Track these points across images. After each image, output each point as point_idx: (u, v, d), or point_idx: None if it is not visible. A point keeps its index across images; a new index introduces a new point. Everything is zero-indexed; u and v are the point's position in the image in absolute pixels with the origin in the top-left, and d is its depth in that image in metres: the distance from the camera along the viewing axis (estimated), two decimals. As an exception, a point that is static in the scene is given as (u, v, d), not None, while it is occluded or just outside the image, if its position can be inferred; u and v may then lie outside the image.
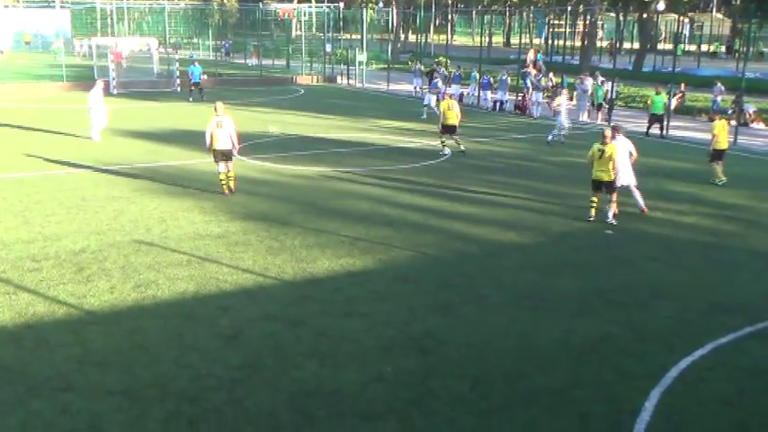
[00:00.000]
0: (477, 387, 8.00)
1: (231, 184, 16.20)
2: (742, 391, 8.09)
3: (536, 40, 75.53)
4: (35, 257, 11.80)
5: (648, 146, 24.28)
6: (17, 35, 67.99)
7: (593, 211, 14.59)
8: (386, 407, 7.53)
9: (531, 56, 45.24)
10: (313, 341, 9.01)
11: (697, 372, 8.49)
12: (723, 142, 18.65)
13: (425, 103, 31.21)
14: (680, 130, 27.84)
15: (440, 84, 32.66)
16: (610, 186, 14.49)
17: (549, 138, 24.59)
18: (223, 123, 15.68)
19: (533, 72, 36.53)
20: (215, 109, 15.90)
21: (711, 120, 19.87)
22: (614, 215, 14.60)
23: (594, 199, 14.60)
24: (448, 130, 21.80)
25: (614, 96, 30.89)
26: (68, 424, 7.06)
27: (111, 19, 68.64)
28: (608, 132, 14.62)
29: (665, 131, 26.39)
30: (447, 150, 22.09)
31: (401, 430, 7.13)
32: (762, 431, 7.33)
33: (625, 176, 14.91)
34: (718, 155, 18.62)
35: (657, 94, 26.29)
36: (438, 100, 28.79)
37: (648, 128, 26.33)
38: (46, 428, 6.99)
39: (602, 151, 14.28)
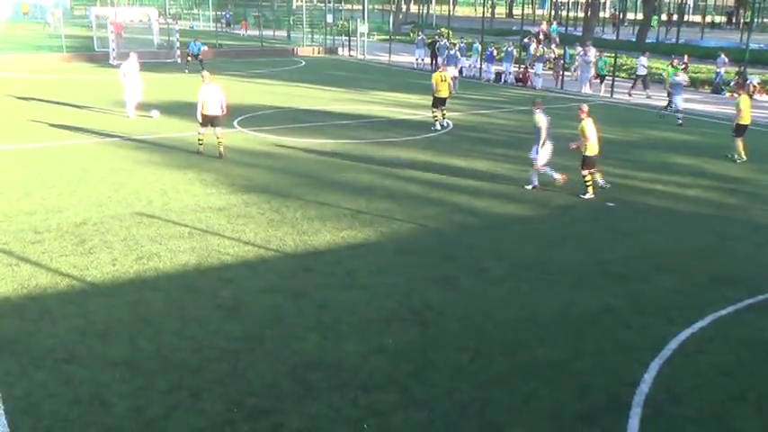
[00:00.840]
0: (477, 359, 8.05)
1: (221, 149, 17.00)
2: (741, 363, 8.14)
3: (539, 11, 74.78)
4: (37, 229, 11.82)
5: (651, 118, 24.15)
6: (15, 5, 67.46)
7: (592, 189, 14.49)
8: (386, 378, 7.58)
9: (543, 27, 44.78)
10: (314, 313, 9.05)
11: (696, 343, 8.53)
12: (747, 117, 18.45)
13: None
14: (683, 102, 27.59)
15: (458, 55, 32.09)
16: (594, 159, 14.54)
17: (664, 112, 24.27)
18: (213, 89, 16.88)
19: (534, 44, 36.25)
20: (202, 78, 17.15)
21: (738, 94, 19.59)
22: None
23: (590, 177, 14.50)
24: (439, 102, 21.57)
25: (645, 73, 30.41)
26: (72, 395, 7.12)
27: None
28: (586, 107, 14.53)
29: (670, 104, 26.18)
30: (446, 121, 21.88)
31: (401, 401, 7.17)
32: (760, 402, 7.38)
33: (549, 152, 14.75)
34: (741, 130, 18.38)
35: (674, 66, 26.02)
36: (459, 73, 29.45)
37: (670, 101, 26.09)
38: (49, 399, 7.03)
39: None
